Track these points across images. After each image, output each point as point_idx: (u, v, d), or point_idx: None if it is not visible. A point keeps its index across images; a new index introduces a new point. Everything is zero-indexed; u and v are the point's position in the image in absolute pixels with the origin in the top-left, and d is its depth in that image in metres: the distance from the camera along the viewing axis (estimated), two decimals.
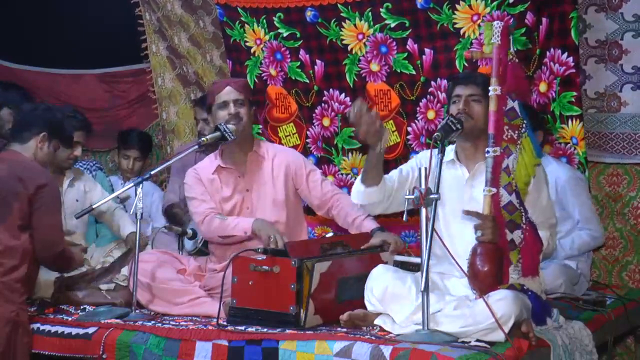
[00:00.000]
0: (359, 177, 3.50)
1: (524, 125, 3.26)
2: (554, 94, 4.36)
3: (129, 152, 5.30)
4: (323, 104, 4.86)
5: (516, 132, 3.25)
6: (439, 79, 4.50)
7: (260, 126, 5.11)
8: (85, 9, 5.98)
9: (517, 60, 3.35)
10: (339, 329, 3.26)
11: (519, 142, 3.25)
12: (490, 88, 3.25)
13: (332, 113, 4.85)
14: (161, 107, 5.81)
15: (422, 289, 3.02)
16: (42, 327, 3.61)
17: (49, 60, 6.29)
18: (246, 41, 4.95)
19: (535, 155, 3.27)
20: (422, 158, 3.59)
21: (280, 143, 4.96)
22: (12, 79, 6.31)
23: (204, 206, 3.92)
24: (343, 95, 4.79)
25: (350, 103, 4.75)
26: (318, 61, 4.78)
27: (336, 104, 4.82)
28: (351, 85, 4.74)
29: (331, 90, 4.81)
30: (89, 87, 6.27)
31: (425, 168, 3.11)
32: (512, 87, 3.26)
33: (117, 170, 5.59)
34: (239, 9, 4.87)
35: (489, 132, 3.22)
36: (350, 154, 4.88)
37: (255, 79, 5.00)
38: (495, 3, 4.24)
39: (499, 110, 3.23)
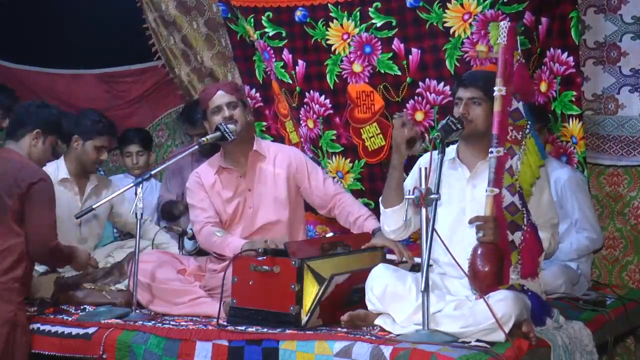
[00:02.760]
0: (381, 207, 3.50)
1: (528, 126, 3.25)
2: (554, 94, 4.34)
3: (129, 148, 5.29)
4: (305, 106, 4.72)
5: (520, 133, 3.23)
6: (427, 80, 4.37)
7: (264, 123, 5.08)
8: (85, 9, 5.98)
9: (523, 61, 3.33)
10: (339, 329, 3.26)
11: (523, 143, 3.23)
12: (495, 88, 3.22)
13: (314, 115, 4.71)
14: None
15: (422, 289, 3.02)
16: (42, 327, 3.61)
17: (48, 60, 6.30)
18: (249, 36, 4.87)
19: (540, 156, 3.26)
20: (420, 162, 3.54)
21: (288, 138, 4.92)
22: (11, 79, 6.31)
23: (203, 215, 3.91)
24: (323, 97, 4.64)
25: (330, 105, 4.64)
26: (300, 61, 4.63)
27: (317, 105, 4.67)
28: (331, 87, 4.59)
29: (312, 91, 4.66)
30: (88, 87, 6.28)
31: (426, 168, 3.11)
32: (518, 88, 3.25)
33: (117, 171, 5.59)
34: (233, 6, 4.82)
35: (493, 132, 3.20)
36: (334, 157, 4.75)
37: (263, 74, 4.96)
38: (488, 2, 4.14)
39: (503, 111, 3.21)
